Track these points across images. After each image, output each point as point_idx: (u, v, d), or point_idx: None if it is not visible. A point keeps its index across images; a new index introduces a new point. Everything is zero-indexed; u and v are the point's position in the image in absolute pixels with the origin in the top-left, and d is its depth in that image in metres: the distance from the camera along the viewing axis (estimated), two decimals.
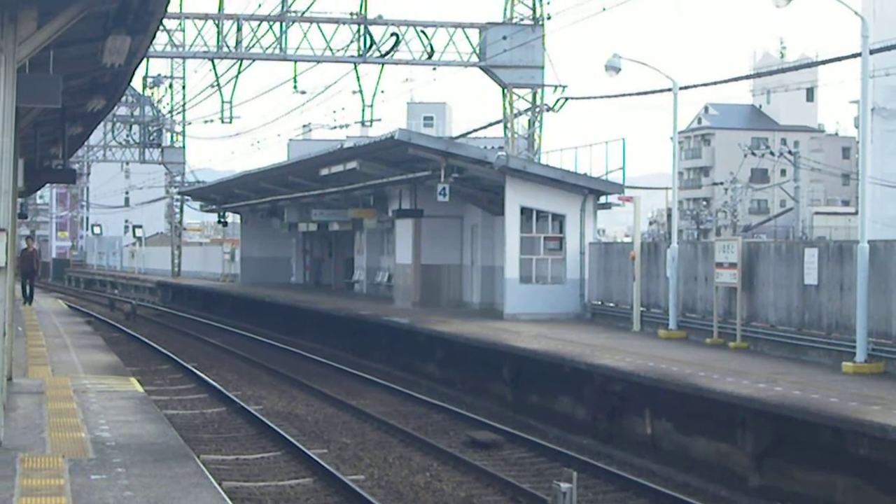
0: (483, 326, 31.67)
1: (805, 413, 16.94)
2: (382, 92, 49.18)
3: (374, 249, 51.17)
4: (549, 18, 41.54)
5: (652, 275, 30.41)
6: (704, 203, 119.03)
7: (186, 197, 78.11)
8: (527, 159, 38.86)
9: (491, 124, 46.97)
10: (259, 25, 40.39)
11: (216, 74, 43.46)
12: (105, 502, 10.96)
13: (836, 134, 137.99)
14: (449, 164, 35.38)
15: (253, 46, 40.41)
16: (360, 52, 40.74)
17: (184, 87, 75.46)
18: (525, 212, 34.33)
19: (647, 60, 41.01)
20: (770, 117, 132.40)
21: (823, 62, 40.77)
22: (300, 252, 64.77)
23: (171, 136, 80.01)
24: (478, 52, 41.58)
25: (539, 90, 42.49)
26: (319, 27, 40.58)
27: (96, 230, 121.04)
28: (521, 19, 41.80)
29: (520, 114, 42.79)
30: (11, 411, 16.20)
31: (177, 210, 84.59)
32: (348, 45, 40.71)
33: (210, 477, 12.52)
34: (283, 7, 40.37)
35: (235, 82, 44.69)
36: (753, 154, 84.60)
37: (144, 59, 25.83)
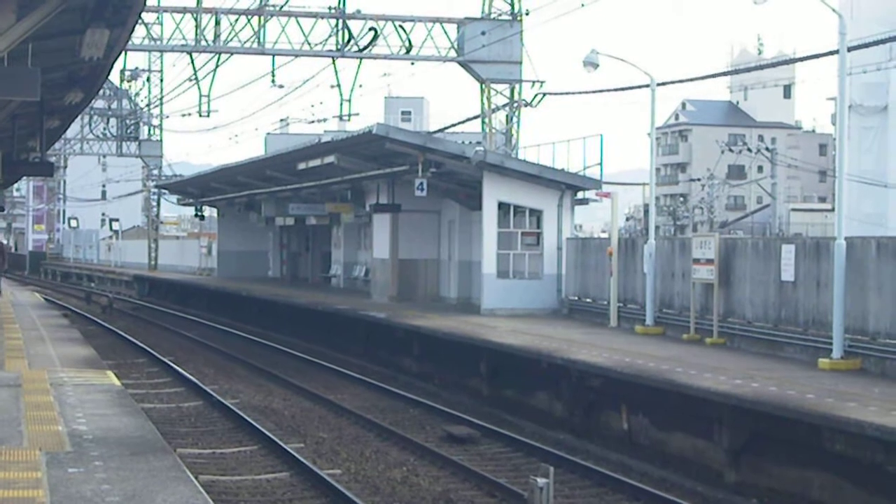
0: (460, 321, 31.69)
1: (782, 409, 17.01)
2: (360, 86, 49.38)
3: (351, 244, 51.17)
4: (527, 14, 41.56)
5: (629, 270, 30.46)
6: (681, 199, 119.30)
7: (163, 190, 77.98)
8: (504, 154, 38.88)
9: (469, 119, 46.91)
10: (237, 19, 40.30)
11: (194, 68, 43.33)
12: (82, 495, 10.94)
13: (814, 131, 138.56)
14: (427, 158, 35.39)
15: (231, 40, 40.32)
16: (339, 47, 40.68)
17: (161, 81, 75.27)
18: (502, 207, 34.35)
19: (625, 56, 41.11)
20: (747, 114, 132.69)
21: (801, 59, 40.89)
22: (277, 246, 64.69)
23: (149, 130, 79.74)
24: (456, 47, 41.55)
25: (517, 85, 42.46)
26: (298, 21, 40.51)
27: (73, 223, 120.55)
28: (500, 14, 41.77)
29: (497, 109, 42.75)
30: None
31: (154, 203, 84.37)
32: (326, 40, 40.65)
33: (187, 470, 12.51)
34: (261, 1, 40.31)
35: (213, 76, 44.58)
36: (730, 150, 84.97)
37: (122, 53, 25.77)
